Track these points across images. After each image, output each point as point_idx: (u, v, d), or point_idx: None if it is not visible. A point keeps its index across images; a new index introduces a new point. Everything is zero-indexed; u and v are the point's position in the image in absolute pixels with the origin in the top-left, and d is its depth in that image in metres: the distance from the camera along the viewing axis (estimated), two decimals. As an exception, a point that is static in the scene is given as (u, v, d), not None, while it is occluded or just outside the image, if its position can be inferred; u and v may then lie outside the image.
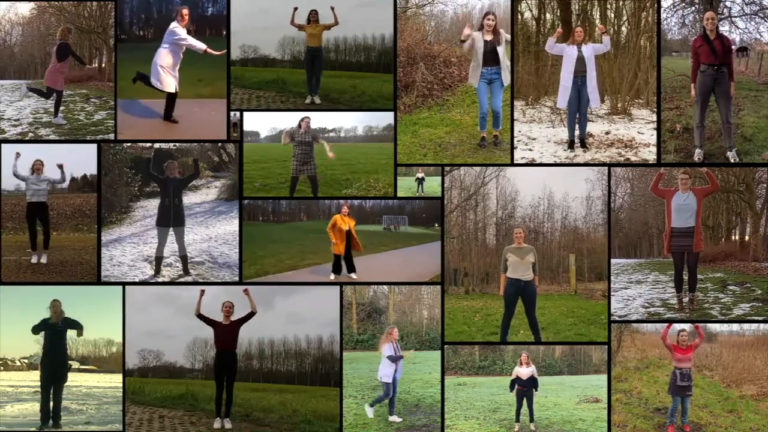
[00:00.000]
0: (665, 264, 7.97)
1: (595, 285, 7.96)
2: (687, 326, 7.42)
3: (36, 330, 7.40)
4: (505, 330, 7.52)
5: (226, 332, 7.42)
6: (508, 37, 7.80)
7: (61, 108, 8.05)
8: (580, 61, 7.76)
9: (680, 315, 7.58)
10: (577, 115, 7.86)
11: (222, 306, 7.45)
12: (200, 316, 7.39)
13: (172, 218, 7.72)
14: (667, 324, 7.39)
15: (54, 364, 7.41)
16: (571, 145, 7.82)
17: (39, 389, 7.39)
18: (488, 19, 7.77)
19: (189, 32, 7.88)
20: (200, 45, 7.77)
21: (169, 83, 7.85)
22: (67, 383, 7.58)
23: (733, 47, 7.64)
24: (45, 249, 7.84)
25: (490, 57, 7.82)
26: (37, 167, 7.81)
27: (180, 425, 7.52)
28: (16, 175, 7.75)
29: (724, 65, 7.49)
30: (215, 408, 7.43)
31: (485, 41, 7.80)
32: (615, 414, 7.51)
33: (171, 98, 7.91)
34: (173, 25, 7.79)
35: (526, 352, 7.53)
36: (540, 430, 7.44)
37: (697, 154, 7.58)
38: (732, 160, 7.56)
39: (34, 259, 7.79)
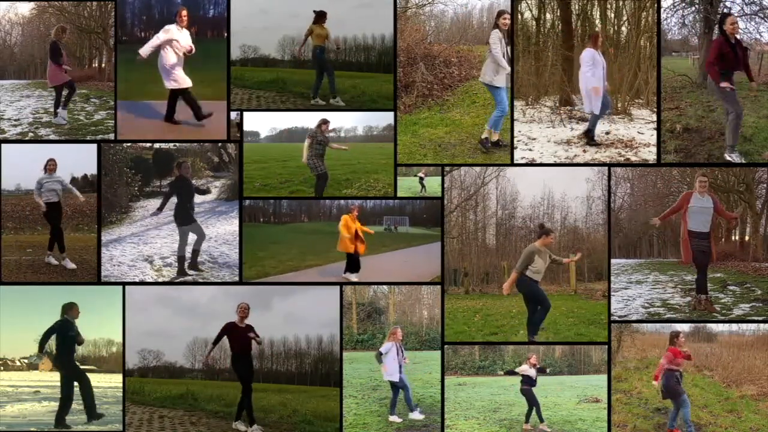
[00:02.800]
0: (665, 264, 7.97)
1: (595, 285, 7.96)
2: (685, 329, 7.43)
3: (51, 333, 7.39)
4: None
5: (242, 335, 7.36)
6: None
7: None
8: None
9: (680, 315, 7.58)
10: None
11: (237, 307, 7.41)
12: (215, 342, 7.37)
13: (192, 216, 7.75)
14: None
15: (72, 363, 7.41)
16: (590, 138, 7.85)
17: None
18: (505, 18, 7.72)
19: (190, 33, 7.93)
20: (151, 44, 7.77)
21: (184, 78, 7.88)
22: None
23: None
24: (61, 252, 7.85)
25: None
26: (50, 167, 7.81)
27: (180, 425, 7.52)
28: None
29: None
30: (237, 411, 7.36)
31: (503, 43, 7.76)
32: (615, 414, 7.50)
33: (173, 98, 7.91)
34: (167, 26, 7.82)
35: (535, 354, 7.52)
36: (539, 430, 7.44)
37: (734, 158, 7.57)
38: (736, 161, 7.56)
39: (53, 260, 7.81)
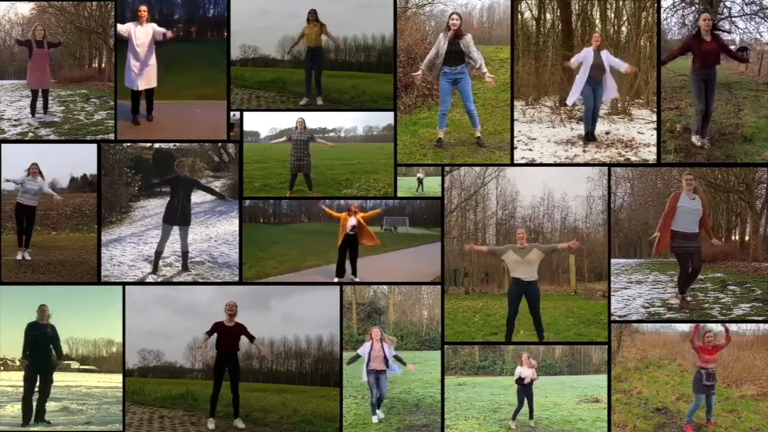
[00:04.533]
0: (665, 264, 7.96)
1: (595, 285, 7.96)
2: (713, 326, 7.41)
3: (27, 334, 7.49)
4: (509, 330, 7.52)
5: (229, 334, 7.41)
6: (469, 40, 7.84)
7: (61, 108, 8.07)
8: (597, 68, 7.79)
9: (681, 315, 7.58)
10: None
11: (225, 306, 7.44)
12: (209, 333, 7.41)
13: (179, 216, 7.73)
14: (694, 325, 7.34)
15: (38, 364, 7.44)
16: (587, 137, 7.86)
17: (36, 391, 7.43)
18: (453, 19, 7.81)
19: (190, 33, 7.93)
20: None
21: (139, 81, 7.88)
22: (67, 383, 7.59)
23: (732, 47, 7.68)
24: (26, 247, 7.85)
25: (454, 57, 7.85)
26: (33, 171, 7.82)
27: (180, 425, 7.52)
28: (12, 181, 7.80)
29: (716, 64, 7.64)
30: (210, 408, 7.40)
31: (449, 42, 7.82)
32: (615, 414, 7.50)
33: (135, 97, 7.91)
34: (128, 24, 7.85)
35: (525, 353, 7.53)
36: (540, 430, 7.44)
37: (697, 140, 7.62)
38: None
39: (19, 256, 7.79)
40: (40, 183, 7.83)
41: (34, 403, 7.46)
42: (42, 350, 7.48)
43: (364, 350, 7.46)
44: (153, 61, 7.94)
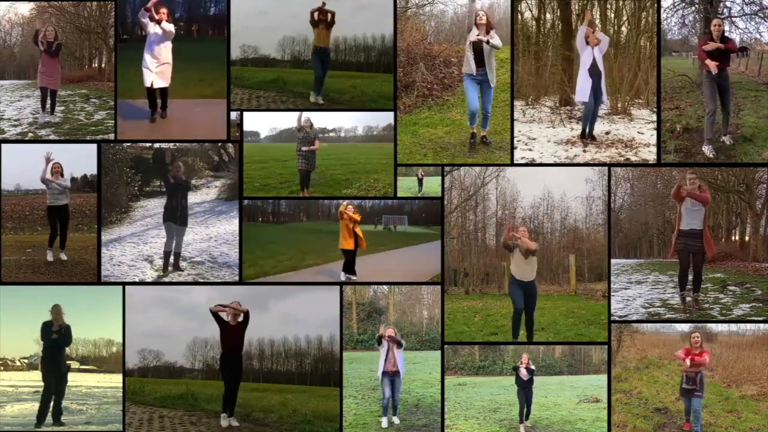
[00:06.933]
0: (665, 264, 7.97)
1: (595, 285, 7.96)
2: (685, 329, 7.44)
3: (43, 334, 7.48)
4: (516, 327, 7.54)
5: (232, 334, 7.39)
6: (496, 41, 7.79)
7: (61, 108, 8.08)
8: (594, 65, 7.77)
9: (681, 315, 7.58)
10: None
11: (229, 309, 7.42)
12: (214, 313, 7.33)
13: (178, 216, 7.78)
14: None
15: (55, 367, 7.43)
16: (583, 135, 7.85)
17: (40, 390, 7.42)
18: (479, 18, 7.79)
19: (192, 32, 7.95)
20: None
21: (147, 78, 7.85)
22: (67, 383, 7.60)
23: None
24: (61, 249, 7.86)
25: (480, 58, 7.85)
26: (55, 170, 7.81)
27: (180, 425, 7.52)
28: (43, 181, 7.76)
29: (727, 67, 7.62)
30: (222, 405, 7.39)
31: (479, 40, 7.81)
32: (615, 414, 7.50)
33: (151, 94, 7.88)
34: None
35: (526, 354, 7.53)
36: (540, 430, 7.44)
37: (709, 151, 7.60)
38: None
39: (50, 257, 7.79)
40: (63, 181, 7.84)
41: (51, 404, 7.47)
42: (58, 355, 7.48)
43: (383, 348, 7.42)
44: (169, 59, 7.88)
